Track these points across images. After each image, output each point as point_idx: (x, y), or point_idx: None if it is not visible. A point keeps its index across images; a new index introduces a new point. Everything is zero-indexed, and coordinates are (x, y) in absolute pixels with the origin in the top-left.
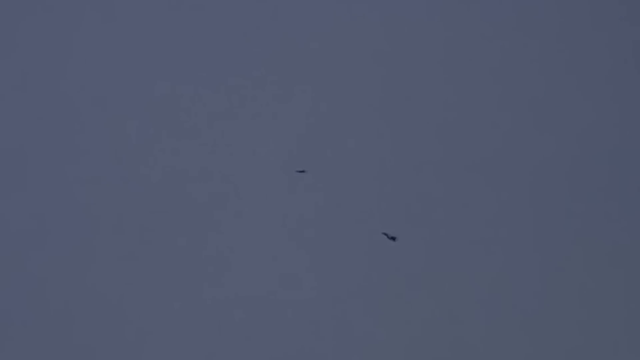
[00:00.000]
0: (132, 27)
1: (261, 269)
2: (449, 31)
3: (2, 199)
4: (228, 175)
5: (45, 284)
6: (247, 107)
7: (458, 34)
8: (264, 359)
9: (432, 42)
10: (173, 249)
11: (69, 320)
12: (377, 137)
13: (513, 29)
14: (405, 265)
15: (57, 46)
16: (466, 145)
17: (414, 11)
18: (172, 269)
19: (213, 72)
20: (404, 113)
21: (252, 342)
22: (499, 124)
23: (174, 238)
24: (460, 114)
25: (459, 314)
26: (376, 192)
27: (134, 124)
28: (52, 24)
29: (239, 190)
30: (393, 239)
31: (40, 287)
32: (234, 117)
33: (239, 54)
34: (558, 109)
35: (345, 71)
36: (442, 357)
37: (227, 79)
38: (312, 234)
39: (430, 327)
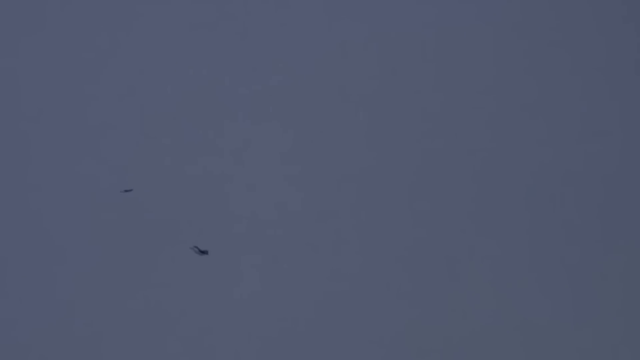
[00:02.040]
0: (144, 35)
1: (262, 270)
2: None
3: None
4: (228, 175)
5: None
6: (249, 111)
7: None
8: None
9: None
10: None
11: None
12: (377, 139)
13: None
14: (407, 266)
15: (57, 46)
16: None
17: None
18: (172, 270)
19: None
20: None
21: (252, 342)
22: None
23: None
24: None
25: (460, 313)
26: (381, 192)
27: (135, 125)
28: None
29: (239, 192)
30: (203, 252)
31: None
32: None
33: (244, 62)
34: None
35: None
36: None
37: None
38: (313, 232)
39: (431, 326)
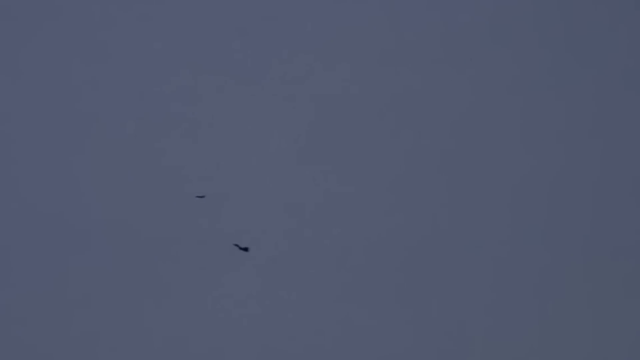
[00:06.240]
0: (140, 29)
1: (261, 269)
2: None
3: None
4: (228, 173)
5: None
6: (251, 105)
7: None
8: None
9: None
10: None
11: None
12: (379, 136)
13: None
14: (407, 267)
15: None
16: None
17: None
18: (171, 270)
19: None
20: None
21: (252, 341)
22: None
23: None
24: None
25: (459, 312)
26: (381, 191)
27: (134, 123)
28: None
29: (241, 187)
30: (244, 249)
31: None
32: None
33: (243, 53)
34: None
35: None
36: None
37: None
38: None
39: (431, 326)
